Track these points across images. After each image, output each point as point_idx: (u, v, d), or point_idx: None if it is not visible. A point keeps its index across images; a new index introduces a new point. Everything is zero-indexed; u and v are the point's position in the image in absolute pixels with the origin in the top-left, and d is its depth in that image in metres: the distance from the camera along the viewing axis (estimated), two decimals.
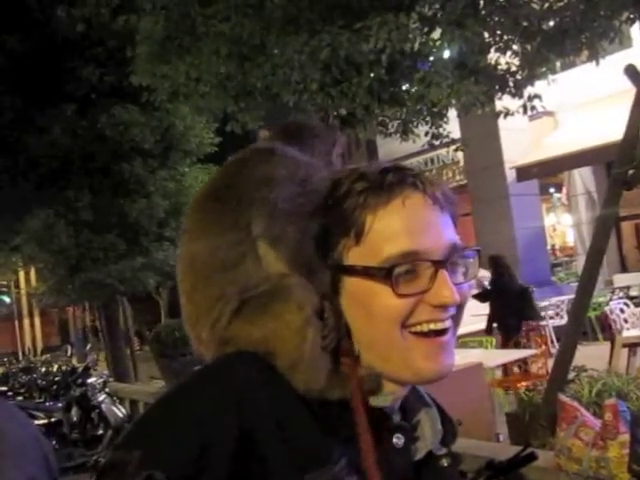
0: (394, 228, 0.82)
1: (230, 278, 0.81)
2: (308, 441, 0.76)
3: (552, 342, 10.27)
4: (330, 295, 0.83)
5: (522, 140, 13.06)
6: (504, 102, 6.60)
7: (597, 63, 6.02)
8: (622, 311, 8.65)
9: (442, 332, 0.83)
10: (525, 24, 5.69)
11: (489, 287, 8.33)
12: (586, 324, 10.33)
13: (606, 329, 9.21)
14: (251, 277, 0.81)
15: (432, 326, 0.82)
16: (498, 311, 8.24)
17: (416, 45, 5.36)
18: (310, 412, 0.78)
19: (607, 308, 8.88)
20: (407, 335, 0.82)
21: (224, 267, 0.81)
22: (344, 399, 0.80)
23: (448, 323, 0.84)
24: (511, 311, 7.98)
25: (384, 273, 0.80)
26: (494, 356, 6.74)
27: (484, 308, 8.48)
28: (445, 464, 0.91)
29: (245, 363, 0.78)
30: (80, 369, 10.81)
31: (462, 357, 5.57)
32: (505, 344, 7.67)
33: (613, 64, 6.12)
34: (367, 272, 0.81)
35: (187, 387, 0.79)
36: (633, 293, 11.75)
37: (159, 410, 0.78)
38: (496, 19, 5.70)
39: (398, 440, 0.86)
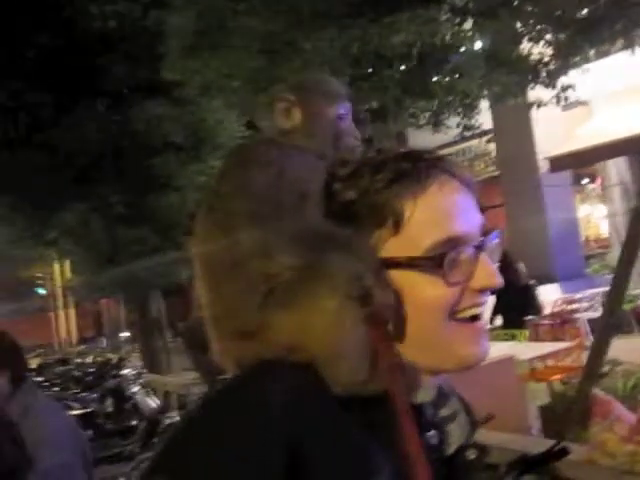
0: (434, 215, 0.80)
1: (251, 270, 0.78)
2: (355, 453, 0.72)
3: (586, 335, 10.14)
4: (375, 273, 0.77)
5: (555, 130, 12.85)
6: (537, 92, 6.52)
7: (632, 51, 5.93)
8: None
9: (479, 316, 0.83)
10: (558, 13, 5.62)
11: None
12: (621, 317, 10.17)
13: None
14: (269, 268, 0.77)
15: (474, 311, 0.82)
16: (500, 305, 8.18)
17: (447, 37, 5.33)
18: (347, 416, 0.74)
19: None
20: (451, 323, 0.80)
21: (241, 263, 0.78)
22: (375, 394, 0.75)
23: (484, 307, 0.84)
24: (513, 306, 7.94)
25: (434, 263, 0.78)
26: (526, 349, 6.68)
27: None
28: (472, 456, 0.88)
29: (274, 375, 0.73)
30: (114, 361, 10.97)
31: (494, 350, 5.53)
32: None
33: None
34: (412, 263, 0.79)
35: (215, 410, 0.73)
36: None
37: (188, 433, 0.73)
38: (529, 8, 5.63)
39: (433, 437, 0.83)
